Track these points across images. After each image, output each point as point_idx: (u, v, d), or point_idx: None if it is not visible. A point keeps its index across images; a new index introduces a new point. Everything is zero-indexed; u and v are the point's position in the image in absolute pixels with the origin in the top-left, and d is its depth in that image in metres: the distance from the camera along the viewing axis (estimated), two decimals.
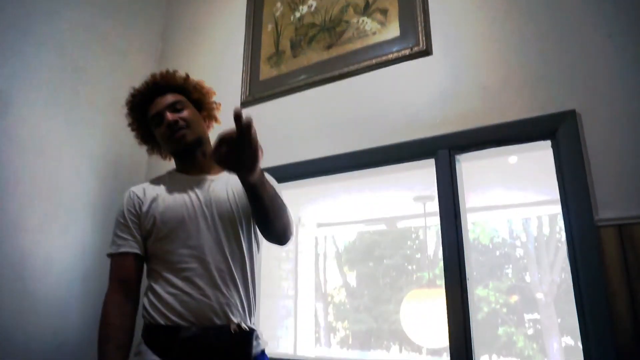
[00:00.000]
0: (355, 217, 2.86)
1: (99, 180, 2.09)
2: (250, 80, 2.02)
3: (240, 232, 1.20)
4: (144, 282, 1.23)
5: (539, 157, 1.50)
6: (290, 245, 1.39)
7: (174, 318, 1.09)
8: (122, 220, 1.23)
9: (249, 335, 1.12)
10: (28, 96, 1.85)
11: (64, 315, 1.86)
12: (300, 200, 2.20)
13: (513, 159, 1.97)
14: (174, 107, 1.27)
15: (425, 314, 2.55)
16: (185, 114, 1.27)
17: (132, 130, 1.38)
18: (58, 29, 2.01)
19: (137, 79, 2.33)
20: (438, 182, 1.52)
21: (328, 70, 1.82)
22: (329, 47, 1.86)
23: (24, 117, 1.83)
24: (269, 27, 2.07)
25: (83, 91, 2.08)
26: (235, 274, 1.16)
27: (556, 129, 1.35)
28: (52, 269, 1.84)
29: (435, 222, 2.72)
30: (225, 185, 1.25)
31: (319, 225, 2.82)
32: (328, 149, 1.75)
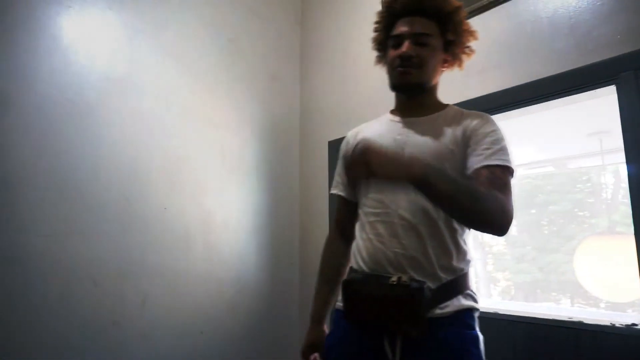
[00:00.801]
0: (515, 161, 2.63)
1: (260, 143, 2.29)
2: None
3: None
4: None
5: None
6: None
7: (360, 262, 1.10)
8: (340, 160, 1.29)
9: (412, 290, 0.97)
10: (194, 72, 2.09)
11: (243, 263, 2.15)
12: None
13: None
14: (418, 39, 1.10)
15: (606, 265, 2.26)
16: (425, 52, 1.10)
17: (375, 31, 1.24)
18: (211, 4, 2.19)
19: (284, 43, 2.48)
20: (621, 112, 1.28)
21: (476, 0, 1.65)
22: None
23: (194, 90, 2.08)
24: None
25: (238, 61, 2.26)
26: (417, 225, 1.03)
27: None
28: (231, 224, 2.12)
29: (614, 160, 2.34)
30: (434, 130, 1.10)
31: None
32: (483, 87, 1.61)
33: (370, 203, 1.12)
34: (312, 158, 2.38)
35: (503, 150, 1.03)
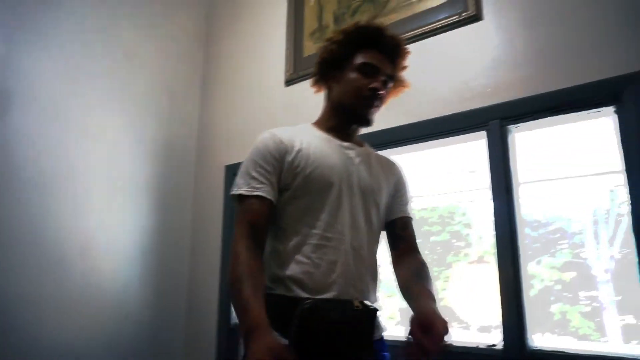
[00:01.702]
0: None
1: (153, 163, 2.18)
2: (294, 57, 2.02)
3: (376, 217, 1.13)
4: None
5: (600, 125, 1.41)
6: None
7: (294, 288, 0.99)
8: (261, 162, 1.05)
9: (372, 313, 1.02)
10: (86, 84, 1.94)
11: (127, 290, 1.98)
12: None
13: (571, 128, 1.86)
14: (388, 80, 1.14)
15: (474, 291, 2.51)
16: (386, 95, 1.16)
17: (328, 47, 1.18)
18: (110, 15, 2.08)
19: (186, 62, 2.42)
20: (489, 155, 1.47)
21: None
22: (374, 18, 1.81)
23: (84, 104, 1.92)
24: (311, 2, 2.04)
25: (135, 77, 2.15)
26: (363, 253, 1.07)
27: (621, 92, 1.26)
28: (114, 247, 1.96)
29: (485, 196, 2.64)
30: (370, 164, 1.16)
31: None
32: (375, 124, 1.72)
33: (316, 223, 1.03)
34: (208, 181, 2.32)
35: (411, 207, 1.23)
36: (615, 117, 1.30)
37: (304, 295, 0.98)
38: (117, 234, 1.98)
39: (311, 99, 1.93)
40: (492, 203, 1.45)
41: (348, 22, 1.85)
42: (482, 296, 2.47)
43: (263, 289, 0.98)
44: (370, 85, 1.10)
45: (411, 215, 1.21)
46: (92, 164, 1.92)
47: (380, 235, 1.18)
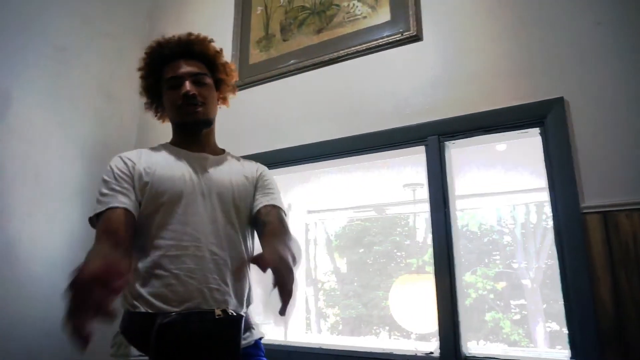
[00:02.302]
0: (345, 204, 2.87)
1: (86, 165, 2.06)
2: (240, 64, 2.00)
3: (238, 217, 1.13)
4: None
5: (528, 144, 1.51)
6: None
7: (157, 303, 0.98)
8: (109, 179, 1.07)
9: (236, 321, 1.02)
10: (13, 80, 1.80)
11: (51, 302, 1.84)
12: (290, 186, 2.19)
13: (502, 146, 1.98)
14: (196, 78, 1.16)
15: (414, 300, 2.58)
16: (205, 90, 1.17)
17: (141, 77, 1.26)
18: (43, 12, 1.95)
19: (125, 61, 2.32)
20: (428, 169, 1.52)
21: (318, 54, 1.81)
22: (319, 31, 1.84)
23: (9, 100, 1.78)
24: (258, 10, 2.04)
25: (69, 75, 2.03)
26: (228, 260, 1.07)
27: (545, 116, 1.35)
28: (39, 255, 1.82)
29: (424, 208, 2.74)
30: (226, 168, 1.19)
31: (309, 212, 2.82)
32: (317, 134, 1.74)
33: (170, 235, 1.03)
34: None
35: (279, 196, 1.22)
36: (540, 138, 1.39)
37: (167, 308, 0.97)
38: (43, 239, 1.84)
39: (256, 105, 1.93)
40: (430, 215, 1.50)
41: (292, 31, 1.88)
42: (422, 305, 2.56)
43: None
44: (181, 93, 1.14)
45: (277, 204, 1.18)
46: (16, 164, 1.78)
47: (250, 235, 1.18)
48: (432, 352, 1.43)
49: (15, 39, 1.84)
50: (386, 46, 1.67)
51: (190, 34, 1.22)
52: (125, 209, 1.03)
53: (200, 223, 1.06)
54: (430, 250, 1.53)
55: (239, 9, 2.09)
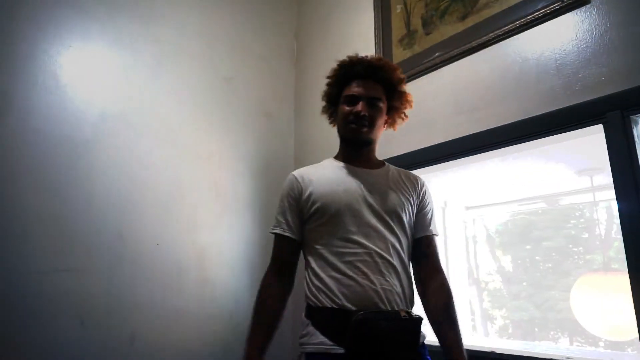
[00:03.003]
0: (508, 197, 2.65)
1: (254, 180, 2.30)
2: None
3: (400, 225, 1.25)
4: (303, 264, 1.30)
5: None
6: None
7: (338, 301, 1.12)
8: (281, 203, 1.30)
9: (418, 322, 1.15)
10: (189, 109, 2.12)
11: (237, 300, 2.11)
12: (446, 183, 2.11)
13: None
14: (371, 101, 1.28)
15: (603, 302, 2.24)
16: (375, 113, 1.29)
17: (327, 85, 1.41)
18: (207, 43, 2.26)
19: (279, 82, 2.54)
20: (610, 150, 1.31)
21: (465, 42, 1.71)
22: (464, 17, 1.74)
23: (190, 127, 2.10)
24: (397, 9, 2.03)
25: (234, 99, 2.31)
26: (394, 263, 1.19)
27: None
28: (224, 260, 2.10)
29: (605, 196, 2.37)
30: (387, 180, 1.30)
31: (468, 208, 2.67)
32: (473, 125, 1.64)
33: (343, 244, 1.18)
34: None
35: (434, 216, 1.36)
36: None
37: (350, 307, 1.11)
38: (226, 247, 2.12)
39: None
40: (617, 204, 1.29)
41: (435, 23, 1.81)
42: (613, 308, 2.20)
43: (271, 326, 1.22)
44: (353, 111, 1.26)
45: (435, 233, 1.33)
46: (201, 183, 2.09)
47: (408, 244, 1.28)
48: None
49: (193, 77, 2.16)
50: (545, 18, 1.49)
51: (380, 59, 1.34)
52: (288, 238, 1.26)
53: (368, 232, 1.19)
54: (617, 245, 1.32)
55: (378, 10, 2.10)
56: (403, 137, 1.87)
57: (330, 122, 1.46)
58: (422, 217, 1.33)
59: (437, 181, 2.00)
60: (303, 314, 1.23)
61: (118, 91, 1.90)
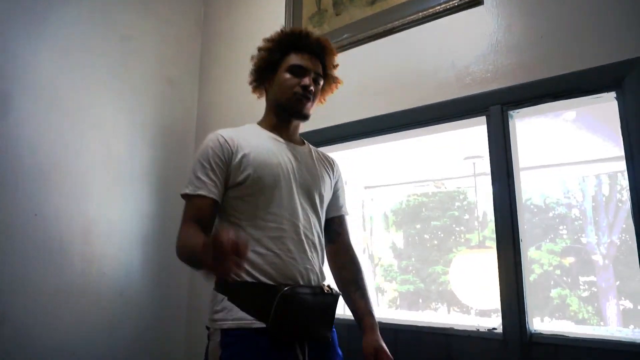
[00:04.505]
0: (402, 179, 2.83)
1: (151, 148, 2.17)
2: None
3: (322, 205, 1.27)
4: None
5: (599, 110, 1.40)
6: None
7: (260, 277, 1.09)
8: (205, 163, 1.16)
9: (337, 298, 1.21)
10: (78, 68, 1.92)
11: (128, 276, 1.99)
12: (346, 162, 2.19)
13: (571, 115, 1.85)
14: (316, 77, 1.27)
15: (475, 275, 2.52)
16: (317, 90, 1.29)
17: (264, 49, 1.31)
18: (111, 3, 2.05)
19: (183, 45, 2.39)
20: (490, 141, 1.46)
21: (372, 27, 1.76)
22: (373, 2, 1.79)
23: (77, 88, 1.91)
24: None
25: (131, 60, 2.13)
26: (315, 242, 1.21)
27: (622, 78, 1.24)
28: (115, 233, 1.96)
29: (485, 182, 2.64)
30: (312, 159, 1.31)
31: (366, 187, 2.81)
32: (374, 109, 1.72)
33: (271, 218, 1.15)
34: None
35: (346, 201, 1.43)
36: (616, 103, 1.29)
37: (272, 283, 1.09)
38: (117, 219, 1.98)
39: None
40: (492, 188, 1.45)
41: (345, 4, 1.83)
42: (483, 280, 2.50)
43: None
44: (301, 83, 1.23)
45: (347, 213, 1.40)
46: (91, 150, 1.92)
47: (323, 220, 1.31)
48: (494, 328, 1.40)
49: (84, 31, 1.94)
50: (444, 13, 1.59)
51: (326, 40, 1.32)
52: (213, 200, 1.14)
53: (296, 209, 1.18)
54: (491, 225, 1.48)
55: None
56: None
57: (255, 90, 1.36)
58: (336, 197, 1.37)
59: (338, 161, 2.07)
60: (213, 289, 1.16)
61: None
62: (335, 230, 1.35)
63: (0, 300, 1.58)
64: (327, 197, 1.31)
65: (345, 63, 1.83)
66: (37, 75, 1.77)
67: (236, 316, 1.07)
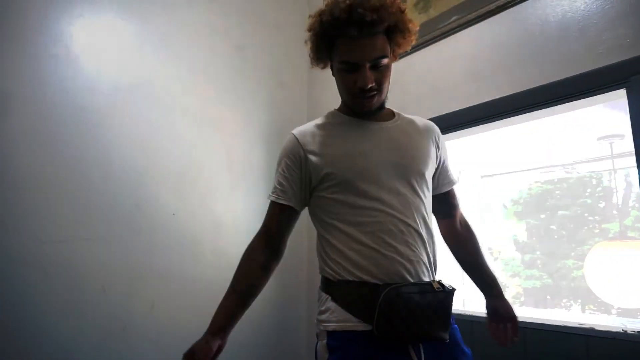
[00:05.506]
0: (524, 166, 2.61)
1: (268, 149, 2.30)
2: None
3: (425, 184, 1.10)
4: (309, 234, 1.24)
5: None
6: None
7: (362, 275, 1.00)
8: (278, 168, 1.15)
9: (452, 294, 1.04)
10: (202, 80, 2.11)
11: None
12: (461, 151, 2.08)
13: None
14: (376, 62, 1.04)
15: (616, 270, 2.23)
16: (382, 76, 1.06)
17: (311, 41, 1.17)
18: (221, 14, 2.22)
19: (292, 49, 2.49)
20: (632, 115, 1.27)
21: (483, 4, 1.65)
22: None
23: (202, 98, 2.09)
24: None
25: (246, 69, 2.28)
26: (420, 230, 1.05)
27: None
28: (239, 229, 2.12)
29: (624, 164, 2.32)
30: (405, 133, 1.13)
31: (483, 176, 2.65)
32: (492, 91, 1.61)
33: (363, 212, 1.04)
34: None
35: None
36: None
37: (374, 280, 1.00)
38: (241, 216, 2.14)
39: (422, 70, 1.87)
40: (637, 171, 1.26)
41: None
42: (625, 276, 2.19)
43: (246, 294, 1.15)
44: (357, 85, 1.04)
45: (455, 181, 1.25)
46: (216, 153, 2.10)
47: (429, 200, 1.14)
48: None
49: (201, 44, 2.13)
50: None
51: (373, 6, 1.01)
52: (285, 205, 1.13)
53: (389, 197, 1.05)
54: (634, 213, 1.30)
55: None
56: (417, 105, 1.83)
57: (324, 68, 1.21)
58: (444, 168, 1.20)
59: (451, 149, 1.98)
60: (319, 288, 1.12)
61: (129, 61, 1.88)
62: (450, 204, 1.24)
63: (150, 289, 1.81)
64: (430, 172, 1.13)
65: (456, 47, 1.75)
66: (168, 88, 1.98)
67: (340, 317, 1.01)
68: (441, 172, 1.20)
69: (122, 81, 1.85)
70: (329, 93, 2.41)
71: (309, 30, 1.15)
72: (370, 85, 1.04)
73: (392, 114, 1.19)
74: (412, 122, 1.18)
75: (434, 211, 1.18)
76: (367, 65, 1.03)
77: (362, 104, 1.08)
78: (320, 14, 1.08)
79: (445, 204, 1.23)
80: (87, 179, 1.71)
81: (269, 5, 2.43)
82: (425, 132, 1.17)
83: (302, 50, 2.62)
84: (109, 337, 1.68)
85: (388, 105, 1.18)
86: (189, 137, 2.01)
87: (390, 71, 1.09)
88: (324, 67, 1.20)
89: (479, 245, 1.25)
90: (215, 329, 1.09)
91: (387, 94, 1.13)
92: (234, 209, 2.12)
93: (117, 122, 1.81)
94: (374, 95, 1.07)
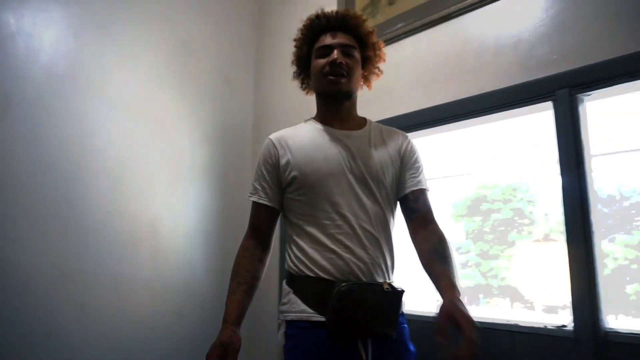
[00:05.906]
0: (460, 170, 2.73)
1: (211, 145, 2.25)
2: None
3: (384, 191, 1.18)
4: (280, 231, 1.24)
5: None
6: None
7: (320, 273, 1.10)
8: (257, 170, 1.24)
9: (400, 295, 1.12)
10: (143, 72, 2.02)
11: (192, 269, 2.09)
12: None
13: None
14: (346, 50, 1.19)
15: (540, 270, 2.40)
16: (351, 62, 1.19)
17: (295, 47, 1.30)
18: (165, 2, 2.14)
19: (239, 45, 2.45)
20: (557, 127, 1.37)
21: (427, 14, 1.71)
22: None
23: (144, 90, 2.01)
24: None
25: (191, 63, 2.21)
26: (377, 235, 1.14)
27: None
28: (179, 228, 2.06)
29: (551, 172, 2.49)
30: (369, 142, 1.21)
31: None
32: (432, 98, 1.67)
33: (325, 216, 1.13)
34: None
35: (424, 174, 1.25)
36: None
37: (329, 278, 1.09)
38: (181, 215, 2.08)
39: None
40: (560, 178, 1.36)
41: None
42: (548, 276, 2.36)
43: (250, 285, 1.19)
44: (329, 60, 1.17)
45: (423, 187, 1.23)
46: (156, 149, 2.02)
47: (394, 209, 1.23)
48: (564, 325, 1.33)
49: (150, 38, 2.05)
50: None
51: (347, 10, 1.27)
52: (265, 205, 1.22)
53: (350, 202, 1.13)
54: (559, 218, 1.40)
55: None
56: (362, 109, 1.87)
57: (304, 89, 1.35)
58: (406, 173, 1.23)
59: None
60: (284, 282, 1.20)
61: (64, 49, 1.77)
62: (410, 207, 1.22)
63: (80, 291, 1.71)
64: (390, 179, 1.20)
65: (400, 53, 1.80)
66: (107, 79, 1.88)
67: (298, 309, 1.11)
68: (402, 176, 1.23)
69: (54, 69, 1.73)
70: (276, 93, 2.40)
71: (297, 39, 1.29)
72: (340, 61, 1.16)
73: (363, 123, 1.27)
74: (380, 131, 1.27)
75: (402, 214, 1.25)
76: (339, 48, 1.18)
77: (332, 82, 1.17)
78: (305, 22, 1.27)
79: (406, 208, 1.24)
80: (10, 173, 1.58)
81: None
82: (390, 140, 1.25)
83: (249, 46, 2.59)
84: (32, 343, 1.57)
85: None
86: (126, 132, 1.92)
87: (359, 67, 1.23)
88: (307, 91, 1.34)
89: (440, 247, 1.15)
90: (234, 320, 1.14)
91: (355, 92, 1.24)
92: (173, 209, 2.05)
93: (48, 113, 1.69)
94: (343, 75, 1.17)
